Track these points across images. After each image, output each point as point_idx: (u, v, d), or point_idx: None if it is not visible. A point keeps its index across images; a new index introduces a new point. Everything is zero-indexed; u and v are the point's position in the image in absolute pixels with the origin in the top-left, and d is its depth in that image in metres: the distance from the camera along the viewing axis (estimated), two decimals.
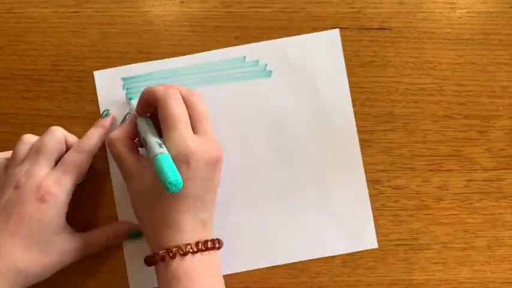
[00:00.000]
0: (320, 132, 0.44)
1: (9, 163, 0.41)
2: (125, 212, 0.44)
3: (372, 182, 0.44)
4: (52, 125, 0.44)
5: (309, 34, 0.45)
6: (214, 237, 0.39)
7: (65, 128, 0.44)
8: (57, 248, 0.39)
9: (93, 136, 0.42)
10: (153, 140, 0.37)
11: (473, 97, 0.45)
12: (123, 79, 0.45)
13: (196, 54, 0.45)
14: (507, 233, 0.44)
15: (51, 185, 0.38)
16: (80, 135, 0.44)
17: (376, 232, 0.44)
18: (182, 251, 0.36)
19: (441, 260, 0.44)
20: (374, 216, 0.44)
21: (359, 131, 0.44)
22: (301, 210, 0.44)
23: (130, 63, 0.45)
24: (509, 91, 0.45)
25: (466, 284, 0.44)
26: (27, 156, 0.40)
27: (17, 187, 0.38)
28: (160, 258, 0.36)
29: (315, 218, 0.44)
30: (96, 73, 0.45)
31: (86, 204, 0.44)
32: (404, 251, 0.44)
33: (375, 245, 0.44)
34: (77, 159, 0.40)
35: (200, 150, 0.37)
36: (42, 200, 0.38)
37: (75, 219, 0.41)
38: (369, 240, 0.44)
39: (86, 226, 0.42)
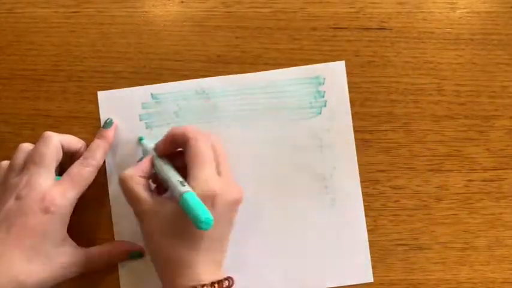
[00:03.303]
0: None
1: (8, 172, 0.40)
2: (121, 224, 0.44)
3: (371, 182, 0.44)
4: (52, 125, 0.44)
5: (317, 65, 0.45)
6: (226, 276, 0.38)
7: (65, 128, 0.44)
8: (58, 260, 0.39)
9: (99, 149, 0.42)
10: (176, 179, 0.37)
11: (473, 97, 0.45)
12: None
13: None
14: (507, 233, 0.44)
15: (56, 197, 0.38)
16: (80, 135, 0.44)
17: (376, 232, 0.44)
18: None
19: (441, 260, 0.44)
20: (374, 216, 0.44)
21: (359, 131, 0.44)
22: (300, 247, 0.44)
23: (130, 63, 0.45)
24: (509, 91, 0.45)
25: (466, 284, 0.44)
26: (25, 166, 0.40)
27: (18, 198, 0.38)
28: None
29: (313, 253, 0.44)
30: (100, 93, 0.45)
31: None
32: (404, 251, 0.44)
33: (371, 279, 0.43)
34: (83, 172, 0.40)
35: (224, 191, 0.37)
36: (46, 211, 0.38)
37: (71, 230, 0.41)
38: (364, 274, 0.43)
39: (83, 239, 0.42)
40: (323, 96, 0.44)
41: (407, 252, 0.44)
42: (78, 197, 0.40)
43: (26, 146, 0.41)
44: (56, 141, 0.40)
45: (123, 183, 0.39)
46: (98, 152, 0.42)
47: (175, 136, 0.39)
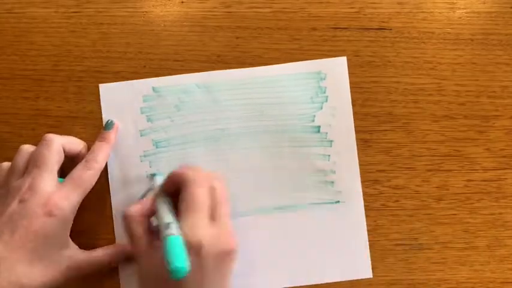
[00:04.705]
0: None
1: (9, 175, 0.40)
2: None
3: (371, 182, 0.44)
4: (53, 125, 0.44)
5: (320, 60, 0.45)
6: None
7: (65, 128, 0.44)
8: (61, 264, 0.39)
9: (101, 152, 0.42)
10: (167, 221, 0.35)
11: (473, 97, 0.45)
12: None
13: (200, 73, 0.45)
14: (507, 233, 0.44)
15: (59, 200, 0.38)
16: (80, 136, 0.44)
17: (376, 232, 0.44)
18: None
19: (441, 260, 0.44)
20: (374, 216, 0.44)
21: (359, 131, 0.44)
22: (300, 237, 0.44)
23: (130, 63, 0.45)
24: (509, 91, 0.45)
25: (466, 284, 0.44)
26: (27, 168, 0.40)
27: (22, 201, 0.38)
28: None
29: (313, 246, 0.44)
30: (102, 86, 0.45)
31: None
32: (404, 251, 0.44)
33: (370, 275, 0.43)
34: (86, 175, 0.40)
35: (213, 240, 0.35)
36: (49, 214, 0.38)
37: (73, 231, 0.41)
38: (363, 269, 0.43)
39: (84, 240, 0.42)
40: (324, 92, 0.45)
41: (407, 252, 0.44)
42: (81, 200, 0.40)
43: (27, 148, 0.41)
44: (57, 144, 0.40)
45: (125, 222, 0.38)
46: (100, 155, 0.42)
47: (174, 177, 0.38)
